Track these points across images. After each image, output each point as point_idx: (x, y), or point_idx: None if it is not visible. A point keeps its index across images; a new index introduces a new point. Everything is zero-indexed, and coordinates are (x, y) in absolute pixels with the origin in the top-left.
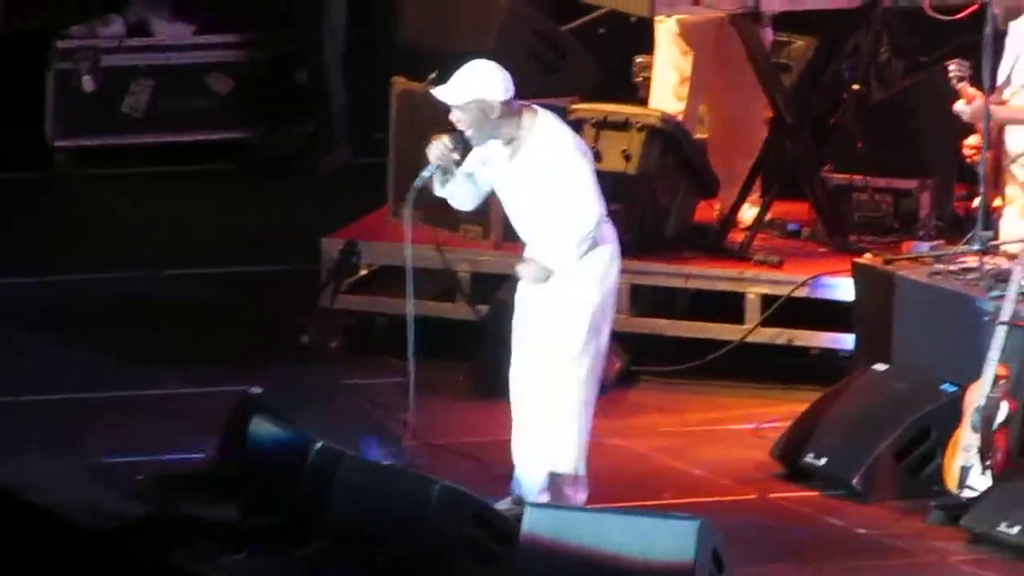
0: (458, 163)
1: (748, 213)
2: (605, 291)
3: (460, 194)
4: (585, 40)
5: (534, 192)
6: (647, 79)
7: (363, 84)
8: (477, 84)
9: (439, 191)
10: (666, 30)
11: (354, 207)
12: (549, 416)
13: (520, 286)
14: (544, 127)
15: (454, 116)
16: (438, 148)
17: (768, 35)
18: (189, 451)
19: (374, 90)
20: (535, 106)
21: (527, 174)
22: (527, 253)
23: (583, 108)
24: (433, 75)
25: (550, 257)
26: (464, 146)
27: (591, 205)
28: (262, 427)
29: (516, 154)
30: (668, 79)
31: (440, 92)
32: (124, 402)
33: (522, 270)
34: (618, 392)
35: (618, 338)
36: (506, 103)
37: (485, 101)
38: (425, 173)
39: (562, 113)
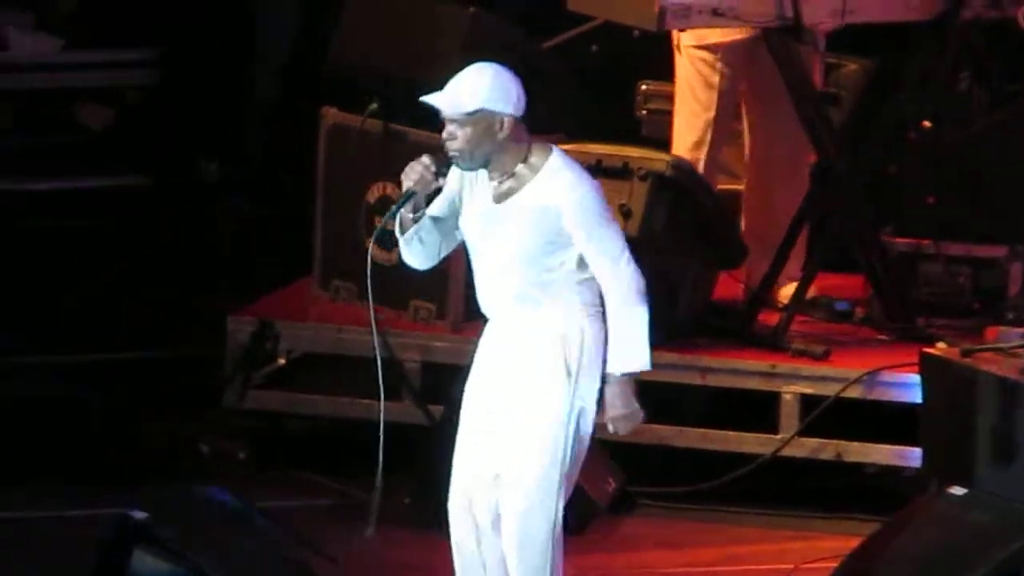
0: (435, 195)
1: (785, 289)
2: (586, 390)
3: (423, 243)
4: (573, 61)
5: (526, 245)
6: (655, 112)
7: (279, 116)
8: (489, 90)
9: (401, 235)
10: (686, 50)
11: (270, 277)
12: (517, 564)
13: (475, 375)
14: (556, 167)
15: (449, 131)
16: (418, 171)
17: (816, 57)
18: None
19: (294, 125)
20: (548, 143)
21: (522, 221)
22: (493, 329)
23: (569, 149)
24: (374, 105)
25: (563, 326)
26: (446, 177)
27: (626, 260)
28: (146, 563)
29: (510, 194)
30: (688, 118)
31: (439, 99)
32: None
33: (619, 423)
34: (610, 521)
35: (610, 451)
36: (517, 121)
37: (496, 114)
38: (400, 204)
39: None
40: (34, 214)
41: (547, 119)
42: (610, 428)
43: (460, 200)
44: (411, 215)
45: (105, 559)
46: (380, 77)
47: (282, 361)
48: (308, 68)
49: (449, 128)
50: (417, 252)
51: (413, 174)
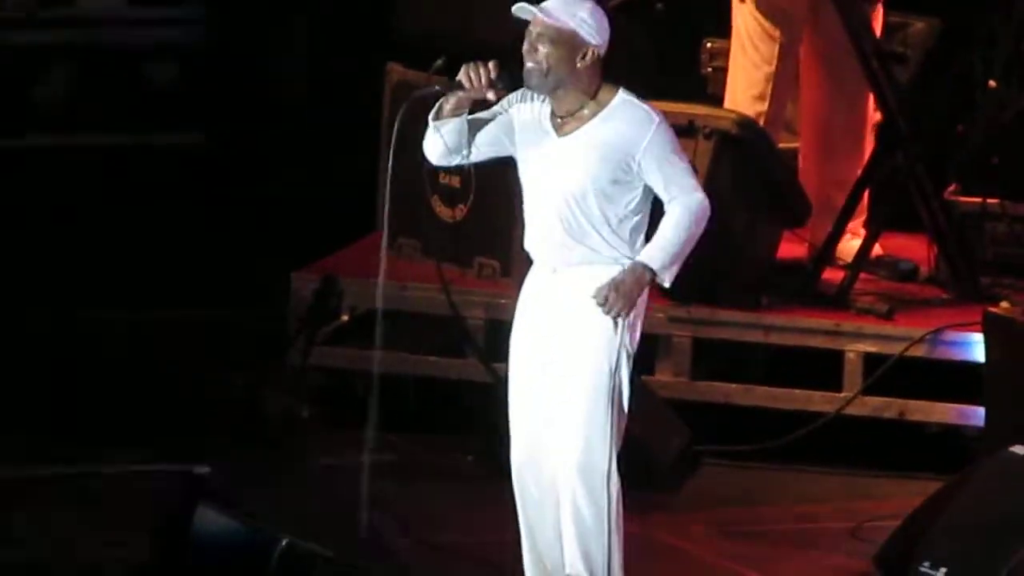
0: (484, 107)
1: (846, 245)
2: (630, 337)
3: (448, 137)
4: (637, 17)
5: (591, 179)
6: (719, 70)
7: (346, 74)
8: (587, 16)
9: (434, 120)
10: (746, 7)
11: (334, 233)
12: (572, 517)
13: (521, 325)
14: (625, 103)
15: (531, 44)
16: (479, 72)
17: (879, 15)
18: (111, 548)
19: (360, 81)
20: (616, 84)
21: (589, 155)
22: (538, 276)
23: None
24: (440, 62)
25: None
26: (499, 91)
27: (698, 189)
28: (210, 518)
29: (576, 128)
30: (747, 71)
31: (538, 6)
32: (23, 485)
33: (610, 297)
34: (675, 479)
35: (676, 409)
36: (598, 59)
37: (585, 42)
38: (448, 88)
39: None
40: (96, 169)
41: (613, 75)
42: (600, 298)
43: (514, 131)
44: (452, 108)
45: (169, 514)
46: (447, 36)
47: (345, 318)
48: (373, 26)
49: (532, 41)
50: (437, 143)
51: (472, 72)
